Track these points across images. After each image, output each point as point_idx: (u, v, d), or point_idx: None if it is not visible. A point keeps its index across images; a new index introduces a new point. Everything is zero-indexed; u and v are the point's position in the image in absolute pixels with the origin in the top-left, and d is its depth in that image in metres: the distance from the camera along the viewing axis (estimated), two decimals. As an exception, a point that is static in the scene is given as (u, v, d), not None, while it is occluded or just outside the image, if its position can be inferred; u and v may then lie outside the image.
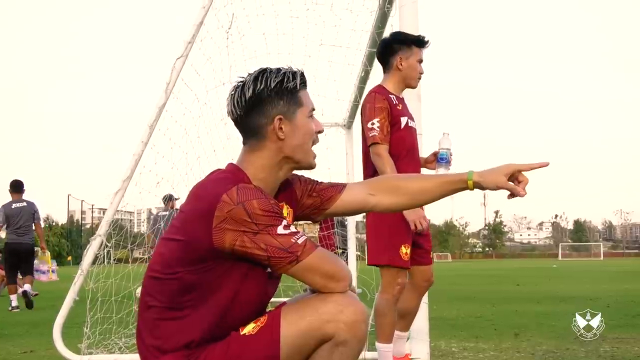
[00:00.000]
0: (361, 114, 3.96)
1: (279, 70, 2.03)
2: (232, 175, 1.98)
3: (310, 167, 2.12)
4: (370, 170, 3.92)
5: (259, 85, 1.99)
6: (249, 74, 2.05)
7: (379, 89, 4.00)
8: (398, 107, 3.95)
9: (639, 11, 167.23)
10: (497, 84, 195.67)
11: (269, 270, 1.97)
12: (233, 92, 2.03)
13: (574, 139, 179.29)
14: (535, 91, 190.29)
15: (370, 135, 3.81)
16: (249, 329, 1.90)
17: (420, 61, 4.05)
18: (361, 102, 4.12)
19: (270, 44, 5.91)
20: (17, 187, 10.05)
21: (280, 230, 1.86)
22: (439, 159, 3.97)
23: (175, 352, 1.89)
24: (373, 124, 3.81)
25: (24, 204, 10.03)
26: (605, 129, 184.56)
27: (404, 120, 3.94)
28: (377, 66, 5.54)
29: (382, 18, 5.37)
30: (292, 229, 1.90)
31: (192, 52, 4.95)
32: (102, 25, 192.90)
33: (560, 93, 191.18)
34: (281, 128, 2.00)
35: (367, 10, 5.51)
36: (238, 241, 1.84)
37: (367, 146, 3.87)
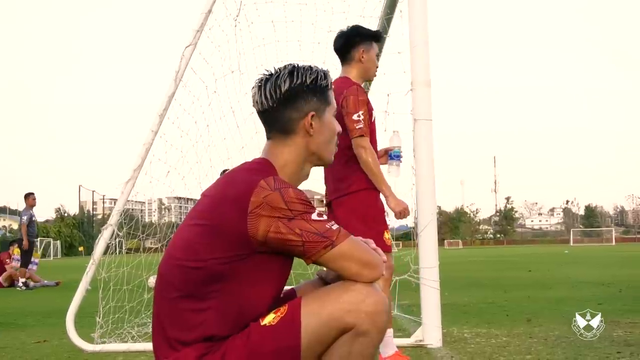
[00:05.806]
0: (341, 105, 3.83)
1: (310, 67, 2.06)
2: (264, 168, 1.99)
3: (329, 164, 2.17)
4: (344, 159, 3.85)
5: (295, 80, 2.01)
6: (280, 68, 2.05)
7: (353, 82, 3.99)
8: (370, 101, 4.04)
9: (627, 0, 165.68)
10: (507, 73, 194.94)
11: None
12: (263, 84, 2.02)
13: (585, 126, 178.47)
14: (539, 81, 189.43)
15: (357, 127, 3.82)
16: (269, 319, 1.87)
17: (377, 56, 4.19)
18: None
19: (279, 32, 5.88)
20: None
21: (314, 216, 1.87)
22: (392, 156, 4.09)
23: (196, 344, 1.85)
24: (359, 116, 3.83)
25: None
26: (617, 115, 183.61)
27: (374, 113, 4.07)
28: (384, 53, 5.52)
29: (391, 4, 5.34)
30: (325, 217, 1.90)
31: (200, 41, 4.95)
32: (112, 18, 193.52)
33: (563, 83, 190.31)
34: (312, 124, 2.03)
35: (376, -4, 5.48)
36: (272, 227, 1.82)
37: (349, 138, 3.83)
